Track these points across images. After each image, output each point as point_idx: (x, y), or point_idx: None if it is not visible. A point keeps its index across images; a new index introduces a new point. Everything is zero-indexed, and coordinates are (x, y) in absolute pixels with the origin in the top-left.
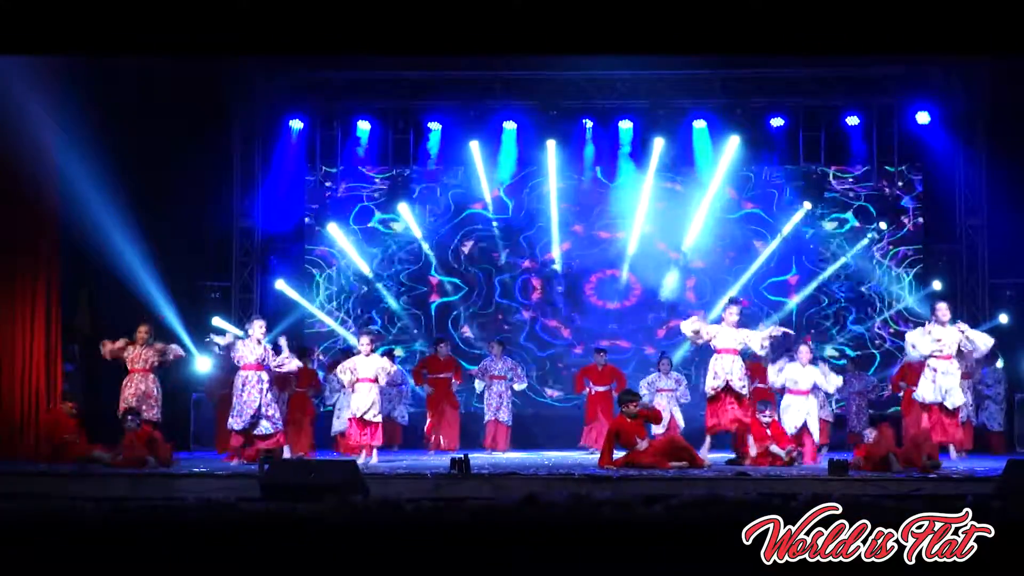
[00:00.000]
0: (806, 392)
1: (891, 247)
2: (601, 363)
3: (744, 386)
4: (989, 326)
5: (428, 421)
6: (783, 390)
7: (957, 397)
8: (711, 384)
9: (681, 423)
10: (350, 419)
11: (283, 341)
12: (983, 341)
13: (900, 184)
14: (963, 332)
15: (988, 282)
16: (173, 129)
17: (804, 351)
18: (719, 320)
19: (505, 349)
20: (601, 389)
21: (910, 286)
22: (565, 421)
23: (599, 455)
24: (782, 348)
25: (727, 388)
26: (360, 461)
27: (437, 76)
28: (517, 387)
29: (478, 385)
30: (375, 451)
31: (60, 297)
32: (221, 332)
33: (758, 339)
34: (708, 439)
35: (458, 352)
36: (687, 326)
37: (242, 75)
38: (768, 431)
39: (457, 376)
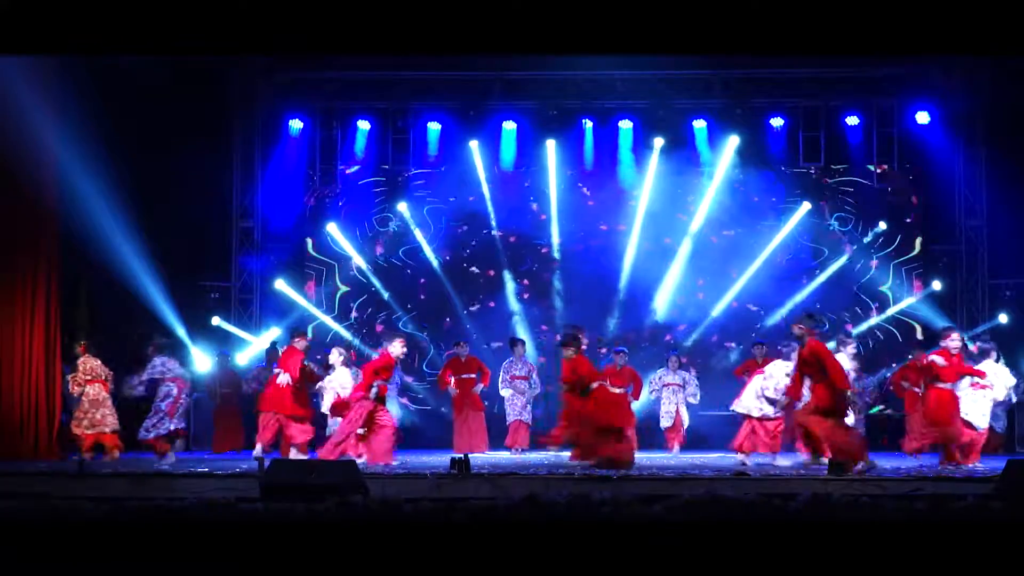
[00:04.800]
0: None
1: (891, 247)
2: (620, 363)
3: None
4: (989, 326)
5: (455, 424)
6: None
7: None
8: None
9: (686, 420)
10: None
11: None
12: None
13: (900, 184)
14: None
15: (987, 282)
16: (173, 129)
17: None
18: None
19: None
20: (618, 391)
21: (909, 286)
22: None
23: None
24: None
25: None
26: (360, 461)
27: (437, 76)
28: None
29: (504, 391)
30: None
31: (60, 296)
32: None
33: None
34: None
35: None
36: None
37: (242, 75)
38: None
39: (484, 379)
